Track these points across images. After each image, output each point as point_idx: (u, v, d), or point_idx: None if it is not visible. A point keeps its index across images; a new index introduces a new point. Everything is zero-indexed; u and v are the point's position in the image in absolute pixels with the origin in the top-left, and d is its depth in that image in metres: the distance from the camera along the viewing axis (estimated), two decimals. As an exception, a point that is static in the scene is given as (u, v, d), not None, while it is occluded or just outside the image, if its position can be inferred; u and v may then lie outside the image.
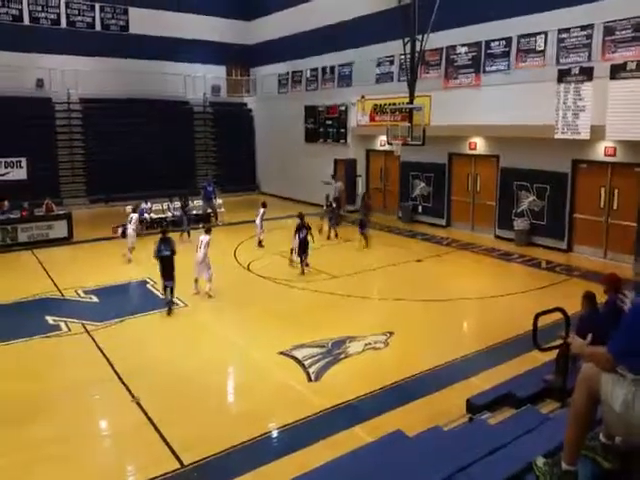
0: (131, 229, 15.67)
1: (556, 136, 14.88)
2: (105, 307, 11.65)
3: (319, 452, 6.04)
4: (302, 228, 14.01)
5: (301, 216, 14.54)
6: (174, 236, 17.61)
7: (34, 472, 6.12)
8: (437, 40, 17.57)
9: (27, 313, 11.34)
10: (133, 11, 27.40)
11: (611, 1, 14.38)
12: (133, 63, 26.38)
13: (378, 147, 22.35)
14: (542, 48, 15.82)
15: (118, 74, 25.54)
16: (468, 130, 17.91)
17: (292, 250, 14.80)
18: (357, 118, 22.45)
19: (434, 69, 19.15)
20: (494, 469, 3.79)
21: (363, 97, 21.95)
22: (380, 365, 8.81)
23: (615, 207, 14.96)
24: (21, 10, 24.73)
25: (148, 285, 13.08)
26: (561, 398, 6.26)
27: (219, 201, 22.08)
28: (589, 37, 14.68)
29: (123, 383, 8.14)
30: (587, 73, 14.20)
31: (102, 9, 26.81)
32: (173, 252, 11.27)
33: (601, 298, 7.00)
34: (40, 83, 24.63)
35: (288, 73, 27.45)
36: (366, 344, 9.52)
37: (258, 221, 17.00)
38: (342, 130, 23.38)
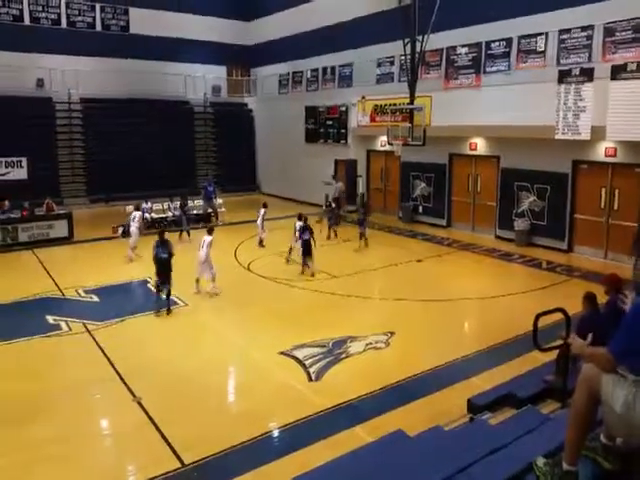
0: (134, 227, 15.70)
1: (557, 137, 14.89)
2: (106, 307, 11.65)
3: (320, 452, 6.04)
4: (305, 230, 14.01)
5: (304, 218, 14.56)
6: (174, 236, 17.78)
7: (34, 472, 6.12)
8: (437, 41, 17.58)
9: (28, 312, 11.34)
10: (134, 11, 27.41)
11: (611, 2, 14.38)
12: (133, 63, 26.39)
13: (379, 147, 22.35)
14: (542, 49, 15.82)
15: (118, 74, 25.54)
16: (469, 130, 17.91)
17: (290, 249, 14.85)
18: (358, 118, 22.45)
19: (434, 70, 19.15)
20: (495, 469, 3.79)
21: (363, 98, 21.95)
22: (381, 365, 8.81)
23: (616, 208, 14.97)
24: (22, 10, 24.74)
25: (149, 285, 13.07)
26: (562, 398, 6.26)
27: (219, 201, 22.10)
28: (589, 38, 14.68)
29: (124, 383, 8.14)
30: (588, 74, 14.21)
31: (102, 9, 26.82)
32: (171, 254, 11.26)
33: (602, 298, 7.00)
34: (40, 83, 24.65)
35: (289, 73, 27.46)
36: (367, 344, 9.53)
37: (259, 221, 17.04)
38: (343, 130, 23.38)
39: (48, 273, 14.16)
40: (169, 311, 11.16)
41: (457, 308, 11.75)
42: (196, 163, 28.82)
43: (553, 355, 7.16)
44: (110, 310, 11.29)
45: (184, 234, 17.90)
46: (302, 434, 6.76)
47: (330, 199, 19.49)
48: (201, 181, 26.45)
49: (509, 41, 16.66)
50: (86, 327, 10.44)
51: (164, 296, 11.21)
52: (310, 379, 8.26)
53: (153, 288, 11.64)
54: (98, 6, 26.67)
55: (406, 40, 16.84)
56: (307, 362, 8.77)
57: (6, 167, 21.75)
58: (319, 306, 11.78)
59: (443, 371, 8.53)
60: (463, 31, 18.09)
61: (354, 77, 23.12)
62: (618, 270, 9.74)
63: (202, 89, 29.02)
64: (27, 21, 24.90)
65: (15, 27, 24.42)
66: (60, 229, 18.04)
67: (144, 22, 27.35)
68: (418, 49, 16.79)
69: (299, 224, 14.71)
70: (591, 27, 14.59)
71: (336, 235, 18.16)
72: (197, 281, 12.37)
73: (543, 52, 15.81)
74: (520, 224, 17.03)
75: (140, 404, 7.49)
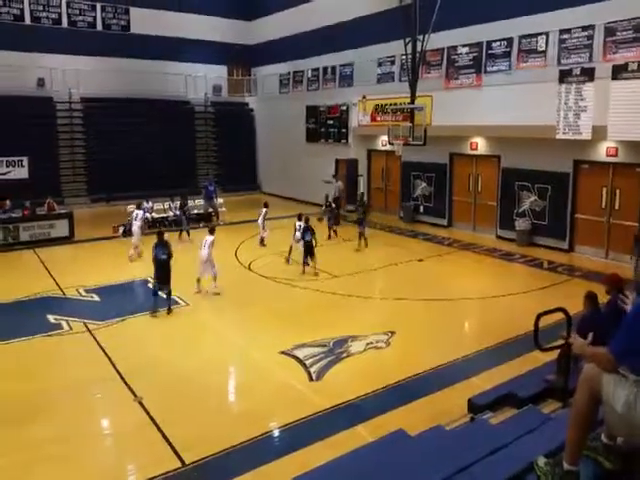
0: (136, 226, 15.78)
1: (557, 136, 14.88)
2: (106, 306, 11.65)
3: (320, 451, 6.04)
4: (307, 231, 14.01)
5: (306, 219, 14.56)
6: (174, 235, 17.81)
7: (35, 472, 6.12)
8: (438, 40, 17.57)
9: (29, 312, 11.35)
10: (134, 11, 27.42)
11: (612, 2, 14.37)
12: (134, 63, 26.39)
13: (379, 147, 22.34)
14: (543, 48, 15.81)
15: (119, 74, 25.55)
16: (469, 130, 17.91)
17: (290, 249, 14.90)
18: (358, 118, 22.44)
19: (435, 69, 19.15)
20: (495, 469, 3.79)
21: (364, 97, 21.94)
22: (382, 364, 8.81)
23: (617, 207, 14.97)
24: (22, 10, 24.76)
25: (149, 285, 13.05)
26: (562, 398, 6.26)
27: (220, 201, 22.10)
28: (590, 38, 14.67)
29: (125, 382, 8.15)
30: (588, 74, 14.20)
31: (103, 9, 26.83)
32: (170, 256, 11.24)
33: (603, 298, 7.00)
34: (41, 82, 24.66)
35: (289, 73, 27.46)
36: (368, 343, 9.53)
37: (260, 221, 17.06)
38: (343, 130, 23.38)
39: (49, 272, 14.17)
40: (169, 311, 11.16)
41: (458, 308, 11.75)
42: (197, 163, 28.83)
43: (554, 355, 7.16)
44: (111, 310, 11.30)
45: (184, 234, 17.92)
46: (302, 434, 6.76)
47: (330, 199, 19.49)
48: (202, 181, 26.47)
49: (510, 41, 16.66)
50: (87, 326, 10.45)
51: (164, 296, 11.21)
52: (311, 379, 8.26)
53: (152, 287, 11.62)
54: (99, 6, 26.69)
55: (407, 40, 16.82)
56: (308, 362, 8.77)
57: (7, 166, 21.77)
58: (320, 306, 11.78)
59: (444, 371, 8.53)
60: (464, 31, 18.09)
61: (355, 77, 23.12)
62: (619, 270, 9.74)
63: (203, 89, 29.01)
64: (28, 21, 24.91)
65: (16, 27, 24.44)
66: (61, 228, 18.06)
67: (145, 22, 27.37)
68: (419, 49, 16.77)
69: (299, 224, 14.73)
70: (592, 27, 14.58)
71: (336, 235, 18.17)
72: (198, 281, 12.37)
73: (544, 52, 15.80)
74: (521, 224, 17.02)
75: (141, 404, 7.49)
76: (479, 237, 18.30)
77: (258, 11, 30.47)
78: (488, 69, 17.32)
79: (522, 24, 16.30)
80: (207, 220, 20.50)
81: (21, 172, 21.86)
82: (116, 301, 12.05)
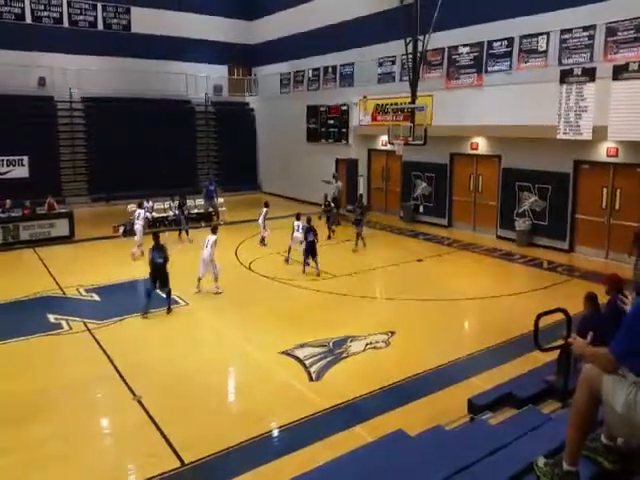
0: (139, 225, 15.87)
1: (558, 136, 14.87)
2: (106, 306, 11.66)
3: (320, 452, 6.04)
4: (309, 231, 14.00)
5: (308, 219, 14.56)
6: (173, 235, 17.85)
7: (35, 472, 6.11)
8: (439, 40, 17.57)
9: (29, 311, 11.36)
10: (135, 10, 27.44)
11: (613, 2, 14.37)
12: (135, 62, 26.42)
13: (380, 147, 22.33)
14: (544, 48, 15.80)
15: (120, 73, 25.59)
16: (470, 130, 17.90)
17: (289, 249, 14.92)
18: (359, 118, 22.44)
19: (436, 69, 19.14)
20: (495, 469, 3.78)
21: (365, 97, 21.93)
22: (381, 365, 8.81)
23: (617, 208, 14.96)
24: (23, 9, 24.79)
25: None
26: (562, 398, 6.25)
27: (220, 200, 22.11)
28: (591, 38, 14.66)
29: (124, 382, 8.15)
30: (589, 74, 14.18)
31: (104, 8, 26.86)
32: (166, 260, 11.20)
33: (603, 299, 6.99)
34: (42, 82, 24.68)
35: (290, 73, 27.46)
36: (367, 344, 9.52)
37: (260, 220, 17.08)
38: (344, 130, 23.37)
39: (49, 272, 14.17)
40: (169, 310, 11.16)
41: (458, 308, 11.74)
42: (197, 162, 28.84)
43: (554, 355, 7.16)
44: (111, 309, 11.30)
45: (183, 233, 17.94)
46: (302, 434, 6.76)
47: (329, 199, 19.47)
48: (202, 180, 26.48)
49: (511, 41, 16.65)
50: (87, 326, 10.45)
51: (164, 295, 11.22)
52: (310, 379, 8.26)
53: (146, 288, 11.57)
54: (100, 5, 26.72)
55: (408, 39, 16.82)
56: (307, 362, 8.77)
57: (8, 165, 21.83)
58: (320, 306, 11.78)
59: (444, 371, 8.53)
60: (464, 30, 18.09)
61: (355, 76, 23.12)
62: (619, 270, 9.74)
63: (203, 88, 29.02)
64: (29, 20, 24.95)
65: (17, 26, 24.47)
66: (61, 228, 18.07)
67: (145, 21, 27.40)
68: (420, 48, 16.77)
69: (297, 223, 14.74)
70: (593, 27, 14.57)
71: (333, 234, 18.16)
72: (199, 280, 12.37)
73: (545, 52, 15.80)
74: (521, 224, 17.01)
75: (140, 403, 7.49)
76: (479, 237, 18.30)
77: (258, 11, 30.50)
78: (489, 69, 17.31)
79: (523, 24, 16.30)
80: (207, 220, 20.51)
81: (21, 171, 21.92)
82: (116, 301, 12.05)
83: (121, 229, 18.49)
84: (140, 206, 16.84)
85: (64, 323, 10.61)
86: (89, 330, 10.27)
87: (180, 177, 25.66)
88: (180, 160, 27.02)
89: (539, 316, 6.15)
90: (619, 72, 13.43)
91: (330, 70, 24.58)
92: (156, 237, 11.61)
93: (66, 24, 25.91)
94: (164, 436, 6.67)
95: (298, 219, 14.96)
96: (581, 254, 15.77)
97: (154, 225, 18.65)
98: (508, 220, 17.63)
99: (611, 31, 14.16)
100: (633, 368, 3.00)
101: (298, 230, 14.69)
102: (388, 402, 7.47)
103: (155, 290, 11.20)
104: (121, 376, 8.32)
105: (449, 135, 18.16)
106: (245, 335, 10.09)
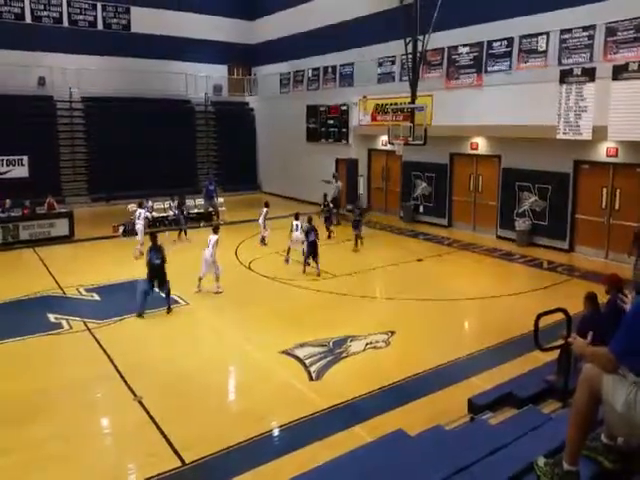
0: (140, 224, 15.96)
1: (558, 136, 14.87)
2: (106, 305, 11.66)
3: (319, 451, 6.04)
4: (311, 231, 14.00)
5: (309, 218, 14.56)
6: (173, 235, 17.86)
7: (35, 472, 6.11)
8: (439, 40, 17.57)
9: (29, 311, 11.36)
10: (135, 10, 27.45)
11: (613, 2, 14.37)
12: (135, 62, 26.42)
13: (380, 147, 22.33)
14: (544, 48, 15.81)
15: (120, 73, 25.59)
16: (470, 130, 17.90)
17: (288, 249, 14.93)
18: (359, 118, 22.44)
19: (436, 69, 19.14)
20: (495, 469, 3.78)
21: (365, 97, 21.93)
22: (381, 364, 8.81)
23: (617, 208, 14.97)
24: (23, 8, 24.80)
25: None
26: (563, 398, 6.25)
27: (220, 200, 22.11)
28: (591, 38, 14.67)
29: (124, 381, 8.15)
30: (589, 74, 14.19)
31: (104, 8, 26.87)
32: (163, 260, 11.20)
33: (603, 298, 7.00)
34: (42, 81, 24.68)
35: (290, 73, 27.46)
36: (367, 343, 9.53)
37: (261, 220, 17.09)
38: (344, 130, 23.37)
39: (49, 271, 14.17)
40: (169, 310, 11.17)
41: (458, 308, 11.75)
42: (197, 162, 28.83)
43: (554, 355, 7.16)
44: (111, 309, 11.30)
45: (182, 233, 17.95)
46: (302, 434, 6.76)
47: (329, 199, 19.47)
48: (202, 180, 26.48)
49: (510, 41, 16.65)
50: (87, 326, 10.45)
51: (163, 294, 11.22)
52: (310, 378, 8.26)
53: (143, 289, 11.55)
54: (99, 5, 26.73)
55: (407, 39, 16.82)
56: (307, 361, 8.77)
57: (7, 165, 21.83)
58: (320, 305, 11.78)
59: (444, 370, 8.53)
60: (464, 30, 18.10)
61: (355, 76, 23.12)
62: (619, 270, 9.75)
63: (203, 88, 29.02)
64: (29, 19, 24.96)
65: (17, 25, 24.48)
66: (61, 228, 18.07)
67: (145, 21, 27.41)
68: (419, 48, 16.77)
69: (296, 223, 14.75)
70: (592, 27, 14.57)
71: (333, 234, 18.15)
72: (200, 280, 12.37)
73: (544, 52, 15.80)
74: (521, 224, 17.02)
75: (141, 403, 7.49)
76: (479, 237, 18.30)
77: (258, 11, 30.51)
78: (489, 69, 17.31)
79: (523, 24, 16.30)
80: (207, 219, 20.52)
81: (21, 171, 21.92)
82: (116, 300, 12.03)
83: (121, 229, 18.49)
84: (141, 206, 16.89)
85: (64, 323, 10.61)
86: (89, 330, 10.27)
87: (180, 177, 25.66)
88: (180, 160, 27.01)
89: (539, 316, 6.15)
90: (619, 72, 13.43)
91: (330, 70, 24.58)
92: (154, 238, 11.60)
93: (66, 24, 25.91)
94: (164, 436, 6.67)
95: (297, 219, 14.97)
96: (581, 254, 15.78)
97: (154, 225, 18.66)
98: (508, 220, 17.63)
99: (611, 31, 14.16)
100: (633, 368, 3.01)
101: (297, 230, 14.70)
102: (388, 402, 7.47)
103: (153, 291, 11.19)
104: (121, 376, 8.32)
105: (449, 135, 18.16)
106: (245, 335, 10.09)
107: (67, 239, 17.98)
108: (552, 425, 4.47)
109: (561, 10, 15.44)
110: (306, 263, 14.04)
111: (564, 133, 14.74)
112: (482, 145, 18.46)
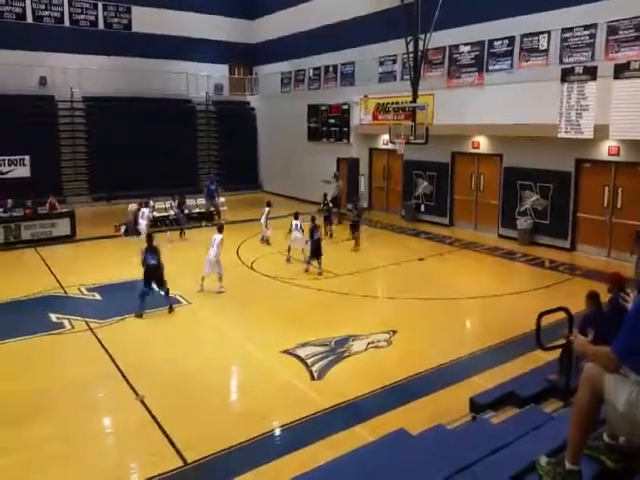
0: (143, 224, 16.12)
1: (559, 135, 14.85)
2: (108, 305, 11.67)
3: (321, 451, 6.04)
4: (315, 231, 13.99)
5: (312, 217, 14.56)
6: (174, 234, 17.88)
7: (35, 472, 6.11)
8: (440, 39, 17.56)
9: (30, 311, 11.37)
10: (136, 10, 27.47)
11: (614, 1, 14.34)
12: (136, 62, 26.44)
13: (381, 146, 22.33)
14: (545, 47, 15.80)
15: (121, 72, 25.61)
16: (471, 129, 17.88)
17: (289, 248, 14.94)
18: (360, 117, 22.42)
19: (437, 68, 19.13)
20: (497, 468, 3.78)
21: (366, 96, 21.91)
22: (383, 364, 8.80)
23: (619, 206, 14.95)
24: (24, 8, 24.82)
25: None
26: (564, 397, 6.24)
27: (222, 199, 22.11)
28: (592, 36, 14.65)
29: (126, 381, 8.15)
30: (590, 72, 14.16)
31: (105, 8, 26.89)
32: (159, 262, 11.15)
33: (605, 297, 6.99)
34: (43, 81, 24.71)
35: (291, 72, 27.46)
36: (369, 343, 9.52)
37: (263, 220, 17.08)
38: (345, 129, 23.37)
39: (51, 271, 14.19)
40: (171, 309, 11.18)
41: (459, 307, 11.74)
42: (198, 162, 28.84)
43: (556, 354, 7.14)
44: (112, 308, 11.31)
45: (177, 233, 18.02)
46: (304, 433, 6.75)
47: (329, 198, 19.46)
48: (203, 179, 26.49)
49: (512, 39, 16.64)
50: (89, 325, 10.46)
51: (162, 293, 11.22)
52: (312, 378, 8.26)
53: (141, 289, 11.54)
54: (100, 4, 26.75)
55: (409, 38, 16.80)
56: (309, 361, 8.77)
57: (9, 165, 21.88)
58: (321, 305, 11.78)
59: (445, 370, 8.53)
60: (466, 29, 18.08)
61: (356, 75, 23.11)
62: (621, 269, 9.71)
63: (204, 87, 29.03)
64: (30, 19, 24.98)
65: (18, 25, 24.50)
66: (63, 227, 18.09)
67: (146, 21, 27.43)
68: (421, 47, 16.76)
69: (295, 222, 14.75)
70: (594, 25, 14.56)
71: (332, 233, 18.14)
72: (203, 279, 12.37)
73: (546, 50, 15.79)
74: (523, 223, 17.00)
75: (143, 402, 7.50)
76: (481, 236, 18.29)
77: (259, 10, 30.50)
78: (490, 68, 17.30)
79: (524, 23, 16.28)
80: (209, 219, 20.53)
81: (23, 171, 21.97)
82: (118, 300, 12.04)
83: (122, 228, 18.50)
84: (146, 205, 17.07)
85: (66, 322, 10.62)
86: (91, 329, 10.28)
87: (181, 176, 25.68)
88: (181, 159, 27.03)
89: (541, 315, 6.14)
90: (620, 71, 13.40)
91: (331, 69, 24.58)
92: (149, 239, 11.58)
93: (67, 23, 25.94)
94: (166, 435, 6.67)
95: (297, 218, 14.96)
96: (583, 253, 15.76)
97: (155, 224, 18.68)
98: (510, 219, 17.62)
99: (612, 30, 14.15)
100: (635, 367, 3.00)
101: (297, 229, 14.69)
102: (390, 401, 7.46)
103: (152, 291, 11.18)
104: (123, 375, 8.33)
105: (450, 134, 18.15)
106: (247, 334, 10.09)
107: (69, 239, 18.00)
108: (554, 424, 4.47)
109: (562, 9, 15.41)
110: (309, 263, 14.03)
111: (565, 132, 14.72)
112: (483, 144, 18.44)
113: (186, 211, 19.16)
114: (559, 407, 6.21)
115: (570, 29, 15.10)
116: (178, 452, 6.33)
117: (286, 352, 9.11)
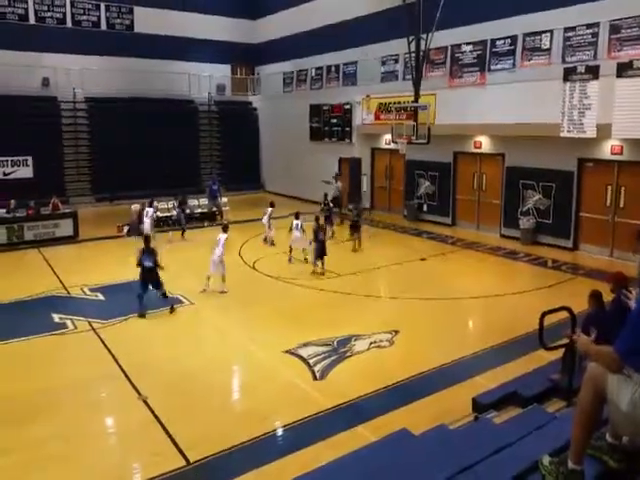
0: (147, 223, 16.23)
1: (562, 134, 14.82)
2: (111, 305, 11.69)
3: (323, 451, 6.04)
4: (319, 231, 13.99)
5: (316, 217, 14.55)
6: (175, 235, 17.90)
7: (35, 472, 6.12)
8: (442, 38, 17.53)
9: (33, 311, 11.39)
10: (138, 10, 27.49)
11: (617, -1, 14.34)
12: (138, 62, 26.46)
13: (383, 146, 22.32)
14: (548, 46, 15.76)
15: (123, 73, 25.64)
16: (473, 129, 17.86)
17: (291, 249, 14.95)
18: (362, 117, 22.41)
19: (439, 68, 19.10)
20: (500, 468, 3.78)
21: (368, 96, 21.90)
22: (385, 364, 8.80)
23: (622, 205, 14.91)
24: (27, 9, 24.85)
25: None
26: (567, 397, 6.23)
27: (224, 199, 22.13)
28: (595, 35, 14.62)
29: (129, 381, 8.16)
30: (593, 71, 14.13)
31: (107, 8, 26.91)
32: (155, 263, 11.13)
33: (608, 297, 6.97)
34: (46, 82, 24.75)
35: (293, 72, 27.46)
36: (371, 342, 9.52)
37: (265, 220, 17.07)
38: (347, 129, 23.35)
39: (54, 271, 14.22)
40: (172, 310, 11.18)
41: (462, 306, 11.73)
42: (200, 162, 28.84)
43: (559, 354, 7.13)
44: (115, 309, 11.33)
45: (179, 233, 18.04)
46: (306, 433, 6.75)
47: (329, 198, 19.45)
48: (205, 180, 26.49)
49: (514, 39, 16.61)
50: (91, 325, 10.48)
51: (160, 294, 11.22)
52: (315, 378, 8.25)
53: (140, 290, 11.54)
54: (103, 5, 26.77)
55: (410, 38, 16.79)
56: (311, 361, 8.77)
57: (12, 166, 21.93)
58: (324, 305, 11.78)
59: (448, 370, 8.52)
60: (468, 29, 18.06)
61: (358, 75, 23.11)
62: (624, 268, 9.69)
63: (206, 88, 29.04)
64: (32, 20, 25.02)
65: (20, 26, 24.54)
66: (65, 228, 18.11)
67: (149, 21, 27.45)
68: (423, 47, 16.74)
69: (296, 222, 14.76)
70: (596, 24, 14.52)
71: (332, 235, 18.13)
72: (208, 279, 12.37)
73: (548, 50, 15.75)
74: (525, 222, 16.98)
75: (146, 402, 7.50)
76: (483, 236, 18.27)
77: (261, 10, 30.51)
78: (492, 67, 17.27)
79: (526, 22, 16.25)
80: (211, 219, 20.54)
81: (26, 171, 22.02)
82: (120, 300, 12.03)
83: (125, 229, 18.51)
84: (150, 204, 17.15)
85: (69, 322, 10.64)
86: (94, 329, 10.29)
87: (183, 177, 25.72)
88: (183, 160, 27.05)
89: (544, 314, 6.14)
90: (623, 70, 13.36)
91: (333, 69, 24.57)
92: (146, 240, 11.58)
93: (69, 24, 25.97)
94: (169, 435, 6.68)
95: (297, 218, 14.96)
96: (585, 252, 15.73)
97: (157, 224, 18.68)
98: (512, 218, 17.59)
99: (615, 29, 14.11)
100: (638, 367, 2.99)
101: (297, 229, 14.69)
102: (392, 401, 7.46)
103: (147, 291, 11.16)
104: (126, 375, 8.34)
105: (452, 134, 18.13)
106: (249, 334, 10.10)
107: (71, 239, 18.03)
108: (557, 424, 4.46)
109: (565, 8, 15.39)
110: (315, 264, 14.00)
111: (568, 131, 14.68)
112: (486, 143, 18.42)
113: (187, 211, 19.16)
114: (562, 407, 6.20)
115: (572, 28, 15.06)
116: (181, 452, 6.33)
117: (288, 352, 9.12)
